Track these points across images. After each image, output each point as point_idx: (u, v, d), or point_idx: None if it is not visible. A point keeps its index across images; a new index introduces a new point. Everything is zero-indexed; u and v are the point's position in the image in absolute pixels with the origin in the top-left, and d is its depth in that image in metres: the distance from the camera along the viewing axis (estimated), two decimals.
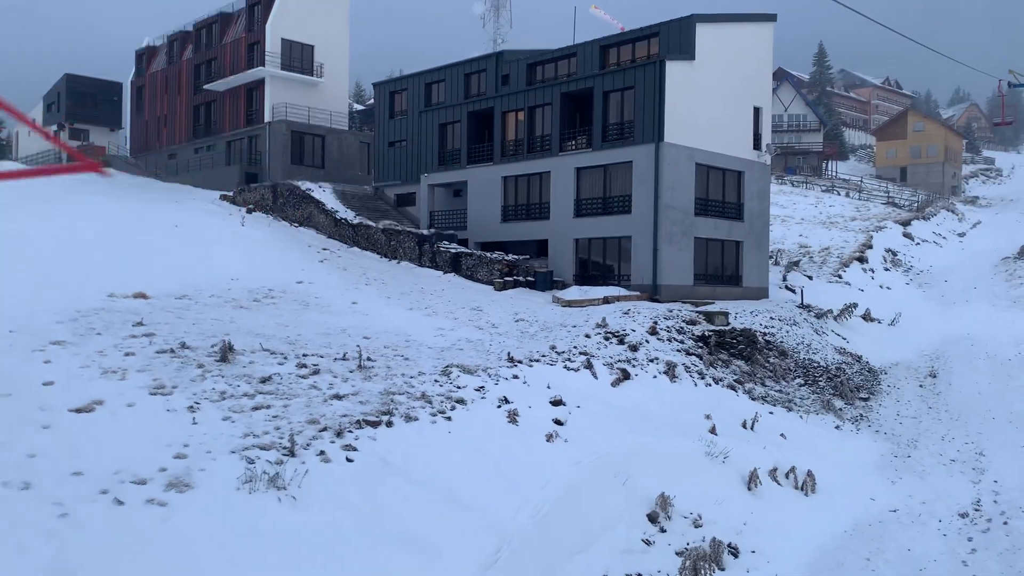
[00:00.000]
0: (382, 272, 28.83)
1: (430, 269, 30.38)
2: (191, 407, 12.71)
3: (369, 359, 16.85)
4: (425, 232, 31.62)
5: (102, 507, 9.23)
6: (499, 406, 15.33)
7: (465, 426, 14.25)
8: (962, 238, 53.59)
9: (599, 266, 29.25)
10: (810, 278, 35.15)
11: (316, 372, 15.44)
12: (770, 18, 31.64)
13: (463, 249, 30.24)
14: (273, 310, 21.34)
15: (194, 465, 10.72)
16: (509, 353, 18.39)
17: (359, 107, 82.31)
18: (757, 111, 31.36)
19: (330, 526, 10.21)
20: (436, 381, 15.88)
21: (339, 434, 12.67)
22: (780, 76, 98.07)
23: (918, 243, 47.37)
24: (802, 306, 29.70)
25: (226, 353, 15.42)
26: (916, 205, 61.67)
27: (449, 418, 14.30)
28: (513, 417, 15.00)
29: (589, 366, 18.57)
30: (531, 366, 17.84)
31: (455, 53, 37.13)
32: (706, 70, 28.69)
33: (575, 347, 19.71)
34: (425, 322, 21.64)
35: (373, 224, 33.17)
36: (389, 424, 13.48)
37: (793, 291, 31.99)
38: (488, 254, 29.30)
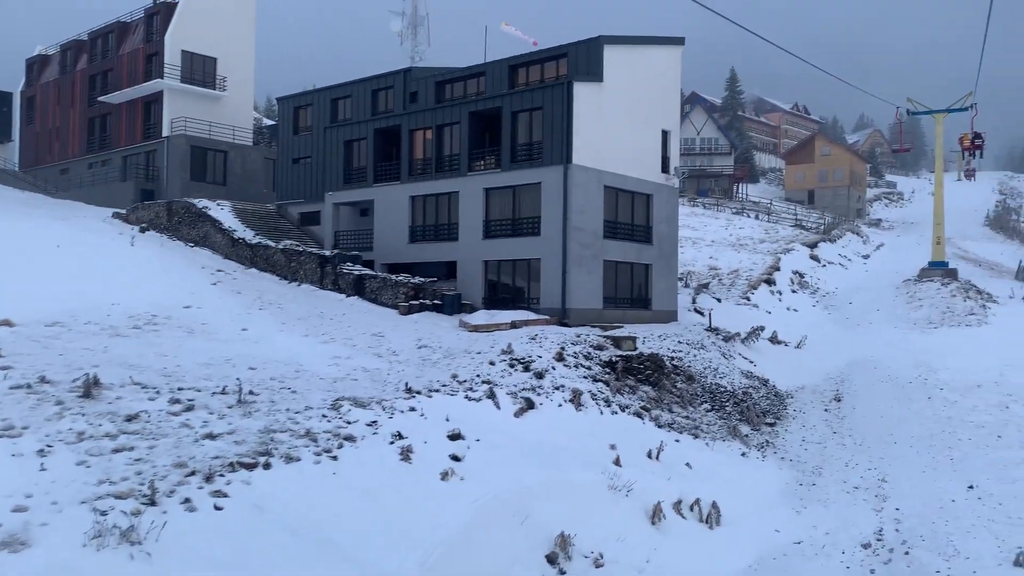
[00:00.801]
0: (280, 295, 27.59)
1: (332, 292, 29.29)
2: (41, 451, 11.49)
3: (252, 392, 15.78)
4: (327, 253, 30.52)
5: None
6: (392, 442, 14.49)
7: (353, 466, 13.36)
8: (866, 260, 55.44)
9: (508, 289, 28.74)
10: (719, 300, 35.46)
11: (190, 408, 14.30)
12: (678, 42, 31.93)
13: (367, 271, 29.27)
14: (154, 338, 19.96)
15: (35, 519, 9.56)
16: (407, 383, 17.58)
17: (270, 122, 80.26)
18: (666, 134, 31.53)
19: None
20: (324, 416, 14.94)
21: (209, 479, 11.62)
22: (693, 100, 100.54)
23: (824, 265, 48.66)
24: (710, 329, 29.82)
25: (90, 388, 14.15)
26: (823, 227, 63.64)
27: (335, 457, 13.39)
28: (406, 454, 14.18)
29: (492, 396, 17.91)
30: (430, 397, 17.07)
31: (374, 71, 36.21)
32: (615, 92, 28.65)
33: (478, 375, 19.04)
34: (320, 350, 20.61)
35: (273, 244, 31.87)
36: (267, 466, 12.49)
37: (702, 314, 32.15)
38: (393, 276, 28.42)
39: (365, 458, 13.76)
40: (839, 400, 25.15)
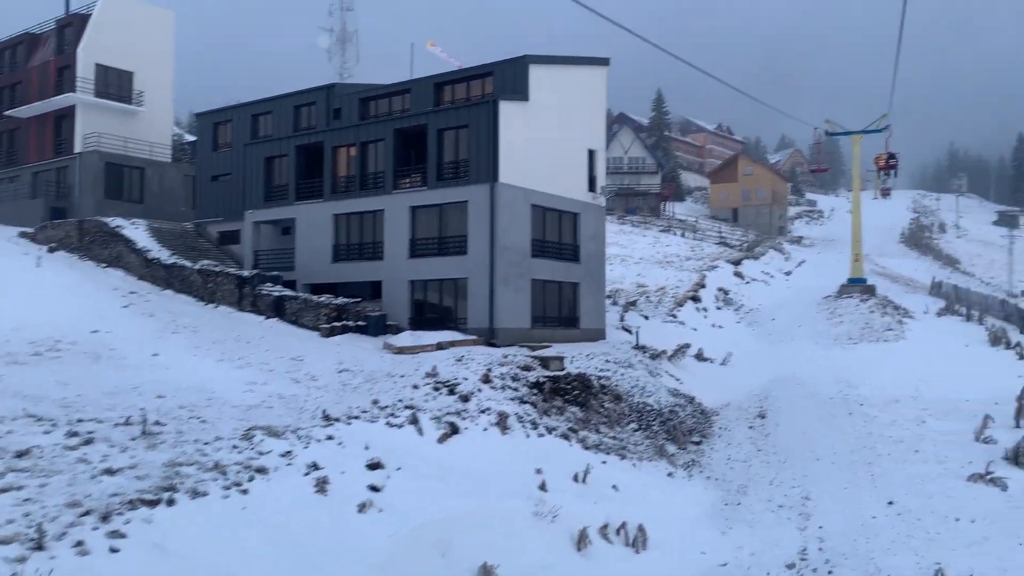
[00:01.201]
0: (196, 318, 26.55)
1: (251, 314, 28.33)
2: None
3: (158, 423, 14.99)
4: (246, 273, 29.54)
5: None
6: (307, 473, 13.91)
7: (264, 500, 12.76)
8: (788, 276, 56.76)
9: (435, 309, 28.28)
10: (646, 318, 35.69)
11: (89, 442, 13.46)
12: (603, 62, 32.17)
13: (287, 292, 28.42)
14: (56, 365, 18.88)
15: None
16: (325, 410, 16.98)
17: (193, 139, 78.13)
18: (592, 153, 31.65)
19: None
20: (235, 447, 14.27)
21: (105, 518, 10.90)
22: (621, 120, 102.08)
23: (748, 282, 49.59)
24: (638, 347, 29.91)
25: None
26: (746, 245, 65.04)
27: (245, 491, 12.76)
28: (322, 486, 13.62)
29: (415, 421, 17.44)
30: (349, 424, 16.52)
31: (301, 87, 35.36)
32: (541, 111, 28.63)
33: (401, 400, 18.54)
34: (235, 375, 19.81)
35: (189, 264, 30.72)
36: (170, 502, 11.81)
37: (630, 331, 32.27)
38: (315, 297, 27.65)
39: (278, 491, 13.16)
40: (763, 417, 25.41)
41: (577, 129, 30.81)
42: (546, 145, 28.87)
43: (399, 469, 15.02)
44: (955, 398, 26.20)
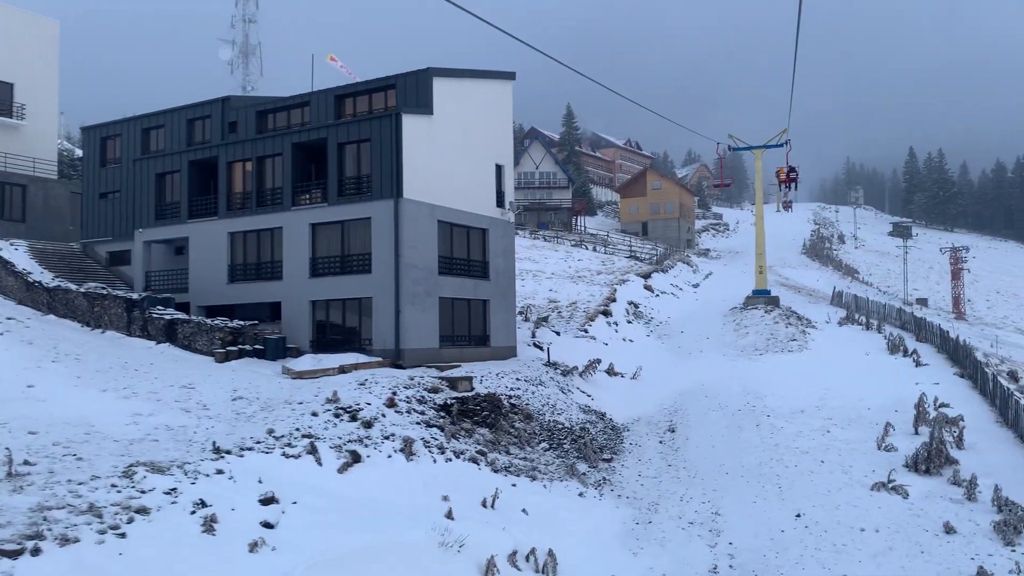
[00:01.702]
0: (81, 345, 24.95)
1: (141, 339, 26.84)
2: None
3: (27, 463, 13.80)
4: (135, 296, 28.00)
5: None
6: (193, 512, 12.99)
7: (144, 543, 11.80)
8: (696, 289, 57.88)
9: (339, 330, 27.39)
10: (558, 333, 35.60)
11: None
12: (509, 76, 32.04)
13: (180, 315, 27.04)
14: None
15: None
16: (215, 442, 16.02)
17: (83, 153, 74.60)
18: (500, 168, 31.42)
19: None
20: (114, 486, 13.22)
21: None
22: (532, 135, 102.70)
23: (658, 295, 50.26)
24: (549, 364, 29.71)
25: None
26: (656, 258, 66.10)
27: (123, 535, 11.79)
28: (210, 525, 12.73)
29: (313, 451, 16.63)
30: (242, 456, 15.60)
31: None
32: (446, 125, 28.22)
33: (298, 429, 17.69)
34: (119, 407, 18.56)
35: (74, 287, 28.95)
36: (36, 552, 10.77)
37: (541, 348, 32.06)
38: (209, 320, 26.38)
39: (160, 533, 12.22)
40: (673, 431, 25.51)
41: (484, 143, 30.53)
42: (452, 160, 28.46)
43: (295, 503, 14.23)
44: (858, 406, 26.94)
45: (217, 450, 15.72)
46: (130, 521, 12.19)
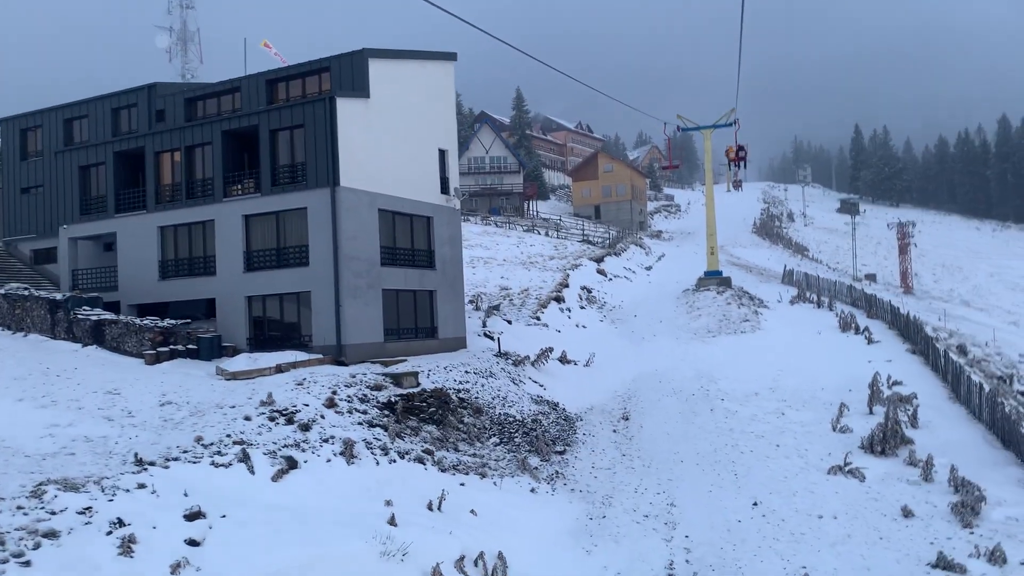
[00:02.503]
0: None
1: (66, 342, 25.45)
2: None
3: None
4: (59, 296, 26.53)
5: None
6: (110, 532, 12.02)
7: (52, 570, 10.81)
8: (649, 271, 57.68)
9: (277, 326, 26.31)
10: (509, 322, 34.90)
11: None
12: (450, 57, 31.07)
13: (107, 315, 25.68)
14: None
15: None
16: (137, 453, 14.98)
17: None
18: (443, 153, 30.49)
19: None
20: (20, 508, 12.17)
21: None
22: (481, 119, 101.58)
23: (611, 279, 49.88)
24: (500, 354, 29.02)
25: None
26: (608, 242, 65.76)
27: (28, 562, 10.80)
28: (128, 546, 11.78)
29: (245, 458, 15.71)
30: (167, 468, 14.62)
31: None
32: (384, 109, 27.19)
33: (230, 435, 16.72)
34: (35, 418, 17.36)
35: None
36: None
37: (492, 338, 31.33)
38: (139, 320, 25.09)
39: (71, 558, 11.23)
40: (627, 419, 25.04)
41: (426, 128, 29.55)
42: (392, 145, 27.46)
43: (224, 517, 13.31)
44: (812, 387, 26.78)
45: (139, 462, 14.70)
46: (36, 547, 11.19)
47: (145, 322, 24.89)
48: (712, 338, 35.36)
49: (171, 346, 24.35)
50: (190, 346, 24.57)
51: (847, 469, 19.40)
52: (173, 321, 25.33)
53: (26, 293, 26.97)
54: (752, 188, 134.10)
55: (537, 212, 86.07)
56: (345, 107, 25.42)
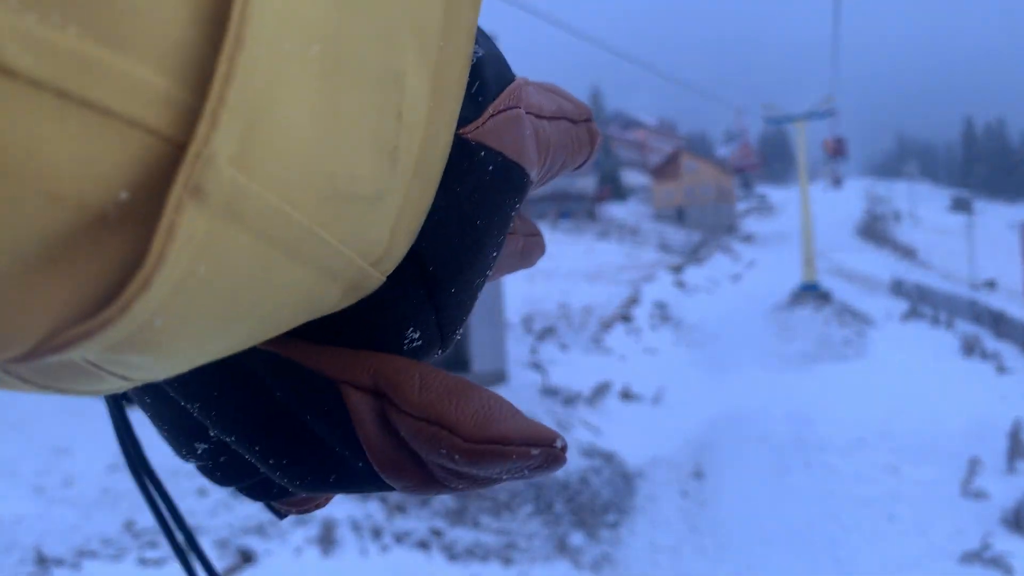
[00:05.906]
0: None
1: None
2: None
3: None
4: None
5: None
6: None
7: None
8: (736, 281, 53.35)
9: None
10: (565, 347, 31.37)
11: None
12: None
13: None
14: None
15: None
16: (39, 549, 11.97)
17: None
18: None
19: None
20: None
21: None
22: None
23: (690, 292, 45.92)
24: (547, 390, 25.44)
25: None
26: (690, 248, 61.62)
27: None
28: None
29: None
30: (76, 568, 11.59)
31: None
32: None
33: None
34: None
35: None
36: None
37: (541, 369, 27.79)
38: None
39: None
40: (700, 476, 21.11)
41: None
42: None
43: None
44: (931, 432, 22.38)
45: (41, 561, 11.70)
46: None
47: None
48: (808, 366, 31.06)
49: None
50: None
51: (987, 556, 15.15)
52: None
53: None
54: (853, 185, 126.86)
55: (613, 216, 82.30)
56: None
